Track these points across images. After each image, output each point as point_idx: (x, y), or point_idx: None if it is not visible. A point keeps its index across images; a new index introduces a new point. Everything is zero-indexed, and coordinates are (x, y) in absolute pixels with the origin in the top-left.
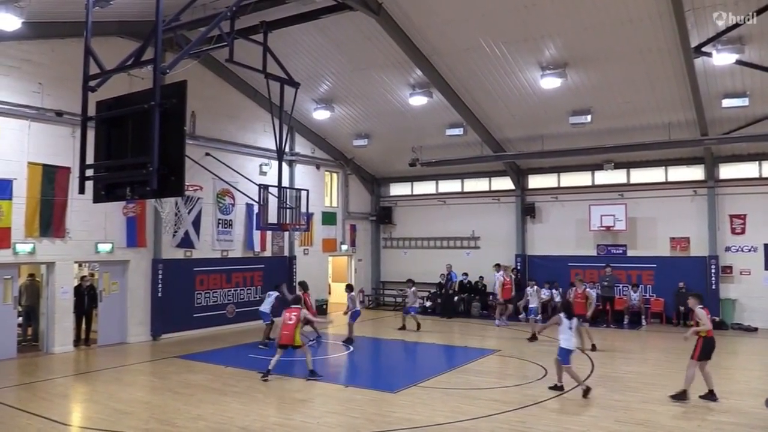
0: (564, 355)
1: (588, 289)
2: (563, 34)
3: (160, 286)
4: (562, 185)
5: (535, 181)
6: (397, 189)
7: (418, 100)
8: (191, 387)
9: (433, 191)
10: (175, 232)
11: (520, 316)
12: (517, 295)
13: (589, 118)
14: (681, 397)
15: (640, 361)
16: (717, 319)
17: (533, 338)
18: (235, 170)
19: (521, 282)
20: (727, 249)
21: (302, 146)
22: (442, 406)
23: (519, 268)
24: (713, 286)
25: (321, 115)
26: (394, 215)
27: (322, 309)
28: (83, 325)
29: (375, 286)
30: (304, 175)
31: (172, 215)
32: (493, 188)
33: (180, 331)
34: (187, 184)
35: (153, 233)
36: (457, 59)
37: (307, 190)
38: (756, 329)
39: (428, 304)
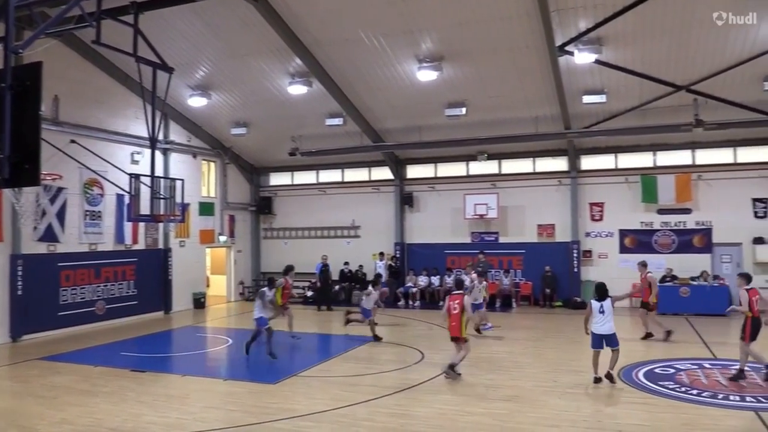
0: (593, 340)
1: (651, 274)
2: (439, 28)
3: (19, 283)
4: (438, 175)
5: (413, 171)
6: (277, 179)
7: (298, 89)
8: (56, 389)
9: (314, 181)
10: (36, 225)
11: (399, 303)
12: (396, 282)
13: (463, 110)
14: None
15: (510, 342)
16: (579, 299)
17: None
18: (104, 159)
19: (400, 270)
20: (588, 234)
21: (177, 134)
22: (321, 394)
23: (398, 256)
24: (575, 269)
25: (197, 102)
26: (274, 205)
27: (200, 302)
28: None
29: (255, 277)
30: (179, 164)
31: (31, 207)
32: (372, 178)
33: (44, 331)
34: (45, 172)
35: (11, 226)
36: (336, 49)
37: (183, 180)
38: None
39: (309, 294)
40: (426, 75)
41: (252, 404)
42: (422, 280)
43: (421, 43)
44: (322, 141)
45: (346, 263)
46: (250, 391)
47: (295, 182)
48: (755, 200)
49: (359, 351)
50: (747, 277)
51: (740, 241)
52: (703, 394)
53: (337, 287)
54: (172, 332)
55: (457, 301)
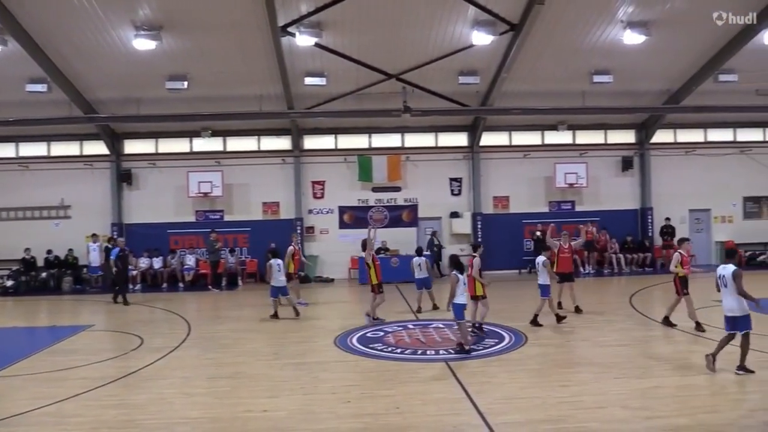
0: (458, 311)
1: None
2: None
3: None
4: (160, 151)
5: (131, 147)
6: None
7: None
8: None
9: (13, 155)
10: None
11: (134, 288)
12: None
13: (185, 84)
14: (669, 322)
15: (233, 320)
16: (302, 273)
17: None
18: None
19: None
20: (310, 211)
21: None
22: (21, 394)
23: (116, 237)
24: (299, 246)
25: None
26: None
27: None
28: None
29: None
30: None
31: None
32: (84, 153)
33: None
34: None
35: None
36: (38, 5)
37: None
38: (333, 280)
39: (10, 283)
40: (143, 44)
41: None
42: (143, 262)
43: (138, 9)
44: (21, 109)
45: (49, 251)
46: None
47: None
48: (452, 179)
49: (69, 342)
50: (681, 240)
51: (440, 215)
52: (406, 352)
53: (44, 274)
54: None
55: (468, 263)
